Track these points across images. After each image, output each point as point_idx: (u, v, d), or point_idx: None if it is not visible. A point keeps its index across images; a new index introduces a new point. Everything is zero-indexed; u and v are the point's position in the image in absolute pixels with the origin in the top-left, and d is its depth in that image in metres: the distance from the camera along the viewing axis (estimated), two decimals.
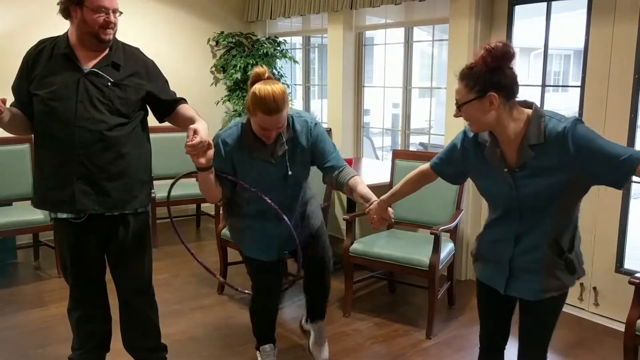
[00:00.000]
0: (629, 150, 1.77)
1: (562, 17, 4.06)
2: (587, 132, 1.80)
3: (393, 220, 2.44)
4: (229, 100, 5.90)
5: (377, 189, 4.27)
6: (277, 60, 5.90)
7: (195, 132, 2.20)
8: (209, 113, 4.40)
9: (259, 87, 2.32)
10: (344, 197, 4.76)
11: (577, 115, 3.62)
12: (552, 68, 11.13)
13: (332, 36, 5.22)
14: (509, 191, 1.92)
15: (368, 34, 5.36)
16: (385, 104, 5.41)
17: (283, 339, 3.34)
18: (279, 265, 2.77)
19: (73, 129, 2.27)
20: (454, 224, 3.60)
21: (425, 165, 2.25)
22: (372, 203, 2.41)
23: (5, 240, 4.50)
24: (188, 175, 2.52)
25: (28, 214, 4.18)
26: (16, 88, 2.37)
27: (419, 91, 6.74)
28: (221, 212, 3.90)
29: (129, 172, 2.39)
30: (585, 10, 3.49)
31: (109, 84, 2.32)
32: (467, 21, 3.96)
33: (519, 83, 1.87)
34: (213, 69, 6.10)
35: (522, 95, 1.92)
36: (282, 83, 5.82)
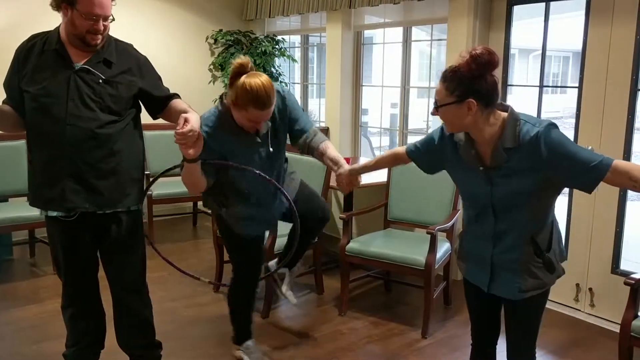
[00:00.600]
0: (600, 157, 1.80)
1: (561, 18, 4.07)
2: (560, 137, 1.83)
3: (360, 184, 2.57)
4: None
5: (375, 188, 4.32)
6: (276, 58, 5.90)
7: (186, 120, 2.19)
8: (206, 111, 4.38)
9: (249, 82, 2.30)
10: (341, 197, 4.76)
11: (574, 115, 3.64)
12: (551, 69, 11.16)
13: (330, 35, 5.22)
14: (484, 188, 1.95)
15: (367, 33, 5.35)
16: (383, 104, 5.40)
17: (278, 338, 3.34)
18: (259, 240, 2.88)
19: (64, 126, 2.25)
20: (450, 223, 3.60)
21: (401, 149, 2.28)
22: (341, 167, 2.52)
23: (1, 236, 4.50)
24: (174, 168, 2.50)
25: (24, 210, 4.14)
26: (8, 84, 2.34)
27: (417, 91, 6.75)
28: None
29: (121, 170, 2.37)
30: (583, 11, 3.49)
31: (101, 81, 2.29)
32: (466, 21, 3.96)
33: (499, 91, 1.90)
34: (211, 67, 6.10)
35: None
36: (280, 82, 5.88)
